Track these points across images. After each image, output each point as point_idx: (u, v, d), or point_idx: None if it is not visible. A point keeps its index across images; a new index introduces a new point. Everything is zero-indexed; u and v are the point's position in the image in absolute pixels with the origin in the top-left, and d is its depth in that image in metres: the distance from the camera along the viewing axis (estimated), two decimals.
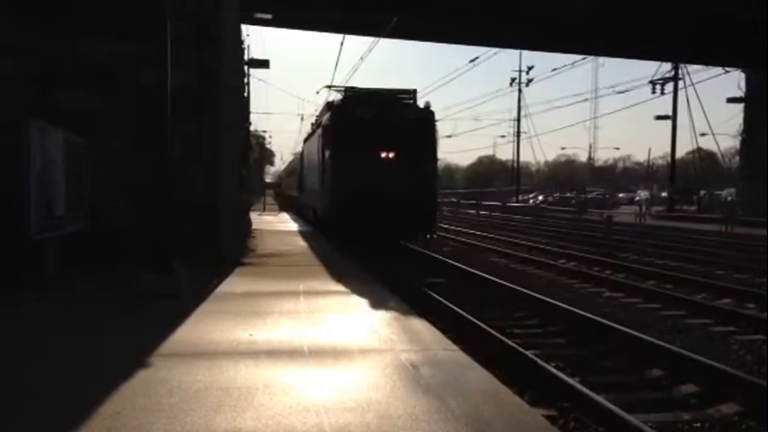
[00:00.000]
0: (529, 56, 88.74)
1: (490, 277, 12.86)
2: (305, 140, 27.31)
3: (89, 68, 11.47)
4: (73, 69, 11.43)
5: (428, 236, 17.09)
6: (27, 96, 11.03)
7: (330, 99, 19.58)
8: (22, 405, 4.19)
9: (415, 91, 17.58)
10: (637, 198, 58.24)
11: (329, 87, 20.86)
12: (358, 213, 15.39)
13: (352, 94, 17.59)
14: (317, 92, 43.44)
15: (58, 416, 3.98)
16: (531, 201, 66.14)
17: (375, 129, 15.97)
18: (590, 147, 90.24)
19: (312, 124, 25.62)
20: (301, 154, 29.02)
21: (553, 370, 6.40)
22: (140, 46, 11.10)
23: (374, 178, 15.69)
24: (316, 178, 19.36)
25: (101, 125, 11.41)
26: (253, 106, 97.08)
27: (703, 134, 64.29)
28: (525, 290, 11.16)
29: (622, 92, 71.56)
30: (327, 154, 16.90)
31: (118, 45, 11.47)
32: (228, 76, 12.32)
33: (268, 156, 74.41)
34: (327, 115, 17.44)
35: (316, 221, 21.07)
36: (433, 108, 17.17)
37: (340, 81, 65.08)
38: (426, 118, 16.87)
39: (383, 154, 16.07)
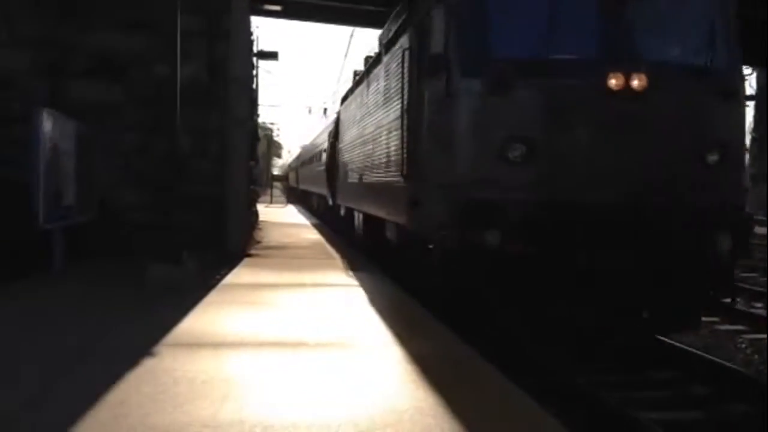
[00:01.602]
0: None
1: None
2: (343, 99, 16.60)
3: (101, 61, 11.51)
4: (86, 61, 11.49)
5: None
6: (40, 87, 11.08)
7: None
8: (27, 394, 4.19)
9: None
10: None
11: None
12: (526, 241, 6.02)
13: None
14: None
15: (63, 404, 3.99)
16: None
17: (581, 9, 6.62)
18: None
19: (355, 73, 14.48)
20: (335, 125, 18.40)
21: None
22: (151, 39, 11.14)
23: (584, 147, 6.27)
24: (381, 157, 9.63)
25: (112, 117, 11.47)
26: (262, 98, 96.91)
27: None
28: None
29: None
30: (432, 89, 7.01)
31: (130, 38, 11.51)
32: (237, 69, 12.32)
33: (275, 148, 74.49)
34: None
35: (372, 244, 11.72)
36: None
37: (347, 77, 64.35)
38: None
39: (613, 81, 6.08)
